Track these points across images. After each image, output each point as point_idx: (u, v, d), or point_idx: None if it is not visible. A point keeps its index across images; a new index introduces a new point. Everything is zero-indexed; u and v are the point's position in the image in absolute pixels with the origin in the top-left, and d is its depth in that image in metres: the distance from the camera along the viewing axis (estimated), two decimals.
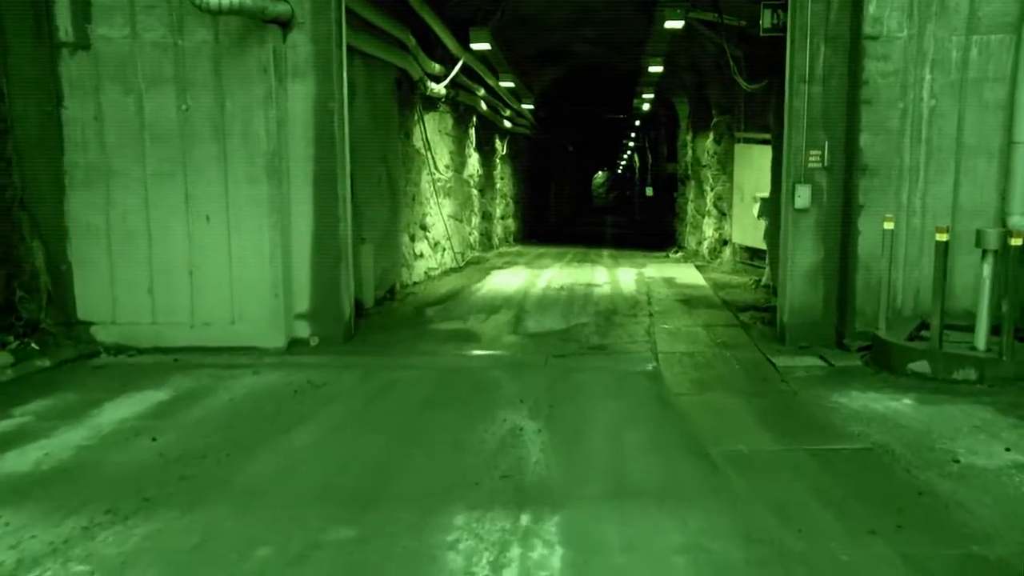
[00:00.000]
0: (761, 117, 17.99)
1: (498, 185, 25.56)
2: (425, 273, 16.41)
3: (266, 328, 9.75)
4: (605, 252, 24.94)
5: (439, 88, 16.35)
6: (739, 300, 13.51)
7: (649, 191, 38.22)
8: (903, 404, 7.24)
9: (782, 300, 9.98)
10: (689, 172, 25.00)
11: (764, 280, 15.06)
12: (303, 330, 10.02)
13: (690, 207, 24.75)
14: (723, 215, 20.28)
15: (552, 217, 40.70)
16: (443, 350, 9.89)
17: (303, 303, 10.02)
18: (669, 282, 16.21)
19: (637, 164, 50.80)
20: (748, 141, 18.33)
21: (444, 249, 17.92)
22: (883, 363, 8.54)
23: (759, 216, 16.57)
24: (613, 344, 10.17)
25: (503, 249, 25.25)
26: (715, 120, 20.67)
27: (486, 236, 23.97)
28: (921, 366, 8.09)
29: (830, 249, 9.62)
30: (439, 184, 17.58)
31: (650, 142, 38.14)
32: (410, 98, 15.26)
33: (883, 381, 8.09)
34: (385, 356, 9.58)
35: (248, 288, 9.72)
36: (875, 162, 9.12)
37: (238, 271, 9.70)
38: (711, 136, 21.05)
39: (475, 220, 21.93)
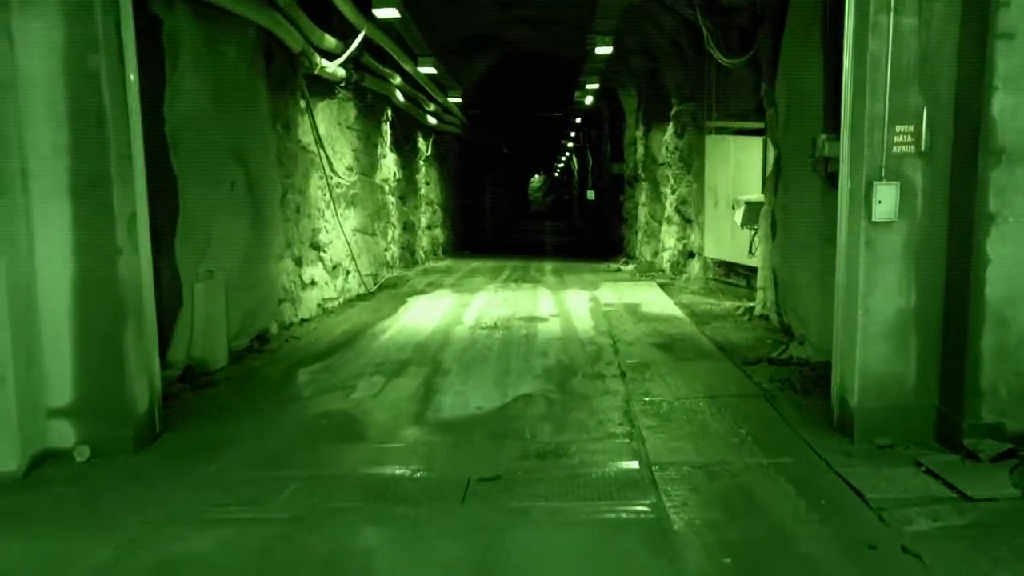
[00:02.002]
0: (741, 101, 14.13)
1: (422, 191, 21.41)
2: (319, 306, 12.23)
3: None
4: (547, 266, 20.91)
5: (334, 67, 12.18)
6: (737, 342, 9.58)
7: (591, 194, 34.32)
8: None
9: (846, 369, 6.01)
10: (640, 172, 21.15)
11: (760, 309, 11.16)
12: (64, 436, 5.84)
13: (642, 212, 20.89)
14: (688, 222, 16.40)
15: (487, 224, 36.63)
16: (290, 472, 5.71)
17: (62, 391, 5.83)
18: (634, 311, 12.22)
19: (576, 166, 46.94)
20: (722, 132, 14.47)
21: (348, 272, 13.74)
22: None
23: (743, 224, 12.70)
24: (576, 444, 6.10)
25: (430, 264, 21.10)
26: (675, 110, 16.80)
27: (408, 250, 19.81)
28: None
29: (929, 287, 5.69)
30: (339, 191, 13.39)
31: (591, 141, 34.28)
32: (289, 78, 11.07)
33: None
34: (190, 487, 5.38)
35: None
36: (1019, 141, 5.21)
37: None
38: (670, 129, 17.17)
39: (393, 233, 17.77)
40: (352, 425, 6.72)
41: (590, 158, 36.11)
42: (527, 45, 22.77)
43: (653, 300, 13.42)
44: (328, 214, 12.76)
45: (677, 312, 12.06)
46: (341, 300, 13.26)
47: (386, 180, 17.06)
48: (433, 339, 10.25)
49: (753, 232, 12.75)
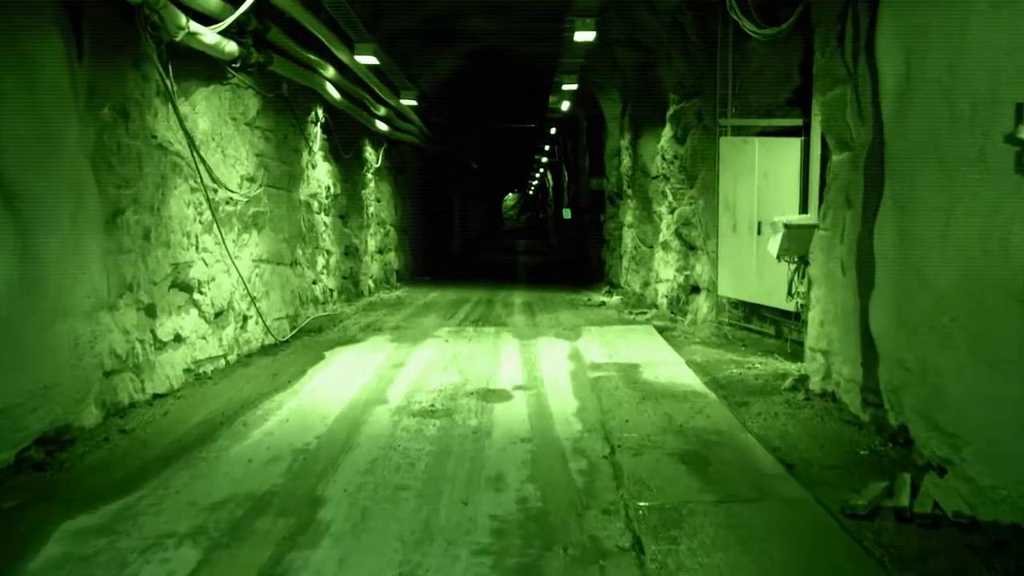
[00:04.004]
0: (765, 92, 10.42)
1: (371, 208, 17.47)
2: (189, 371, 8.28)
3: None
4: (517, 298, 17.01)
5: (215, 38, 8.32)
6: (808, 451, 5.74)
7: (567, 213, 30.44)
8: None
9: None
10: (626, 187, 17.35)
11: (818, 382, 7.31)
12: None
13: (628, 235, 17.08)
14: (691, 249, 12.60)
15: (455, 244, 32.67)
16: None
17: None
18: (633, 379, 8.34)
19: (551, 183, 43.12)
20: (742, 132, 10.70)
21: (245, 318, 9.79)
22: None
23: (781, 255, 8.93)
24: None
25: (379, 296, 17.14)
26: (674, 109, 12.99)
27: (351, 280, 15.85)
28: None
29: None
30: (230, 208, 9.47)
31: (567, 155, 30.44)
32: (129, 41, 7.17)
33: None
34: None
35: None
36: None
37: None
38: (667, 133, 13.37)
39: (326, 260, 13.82)
40: None
41: (566, 173, 32.31)
42: (493, 40, 18.97)
43: (655, 356, 9.55)
44: (208, 240, 8.82)
45: (694, 380, 8.19)
46: (231, 358, 9.31)
47: (315, 195, 13.13)
48: (331, 440, 6.32)
49: (796, 266, 8.98)
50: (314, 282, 13.03)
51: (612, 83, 18.13)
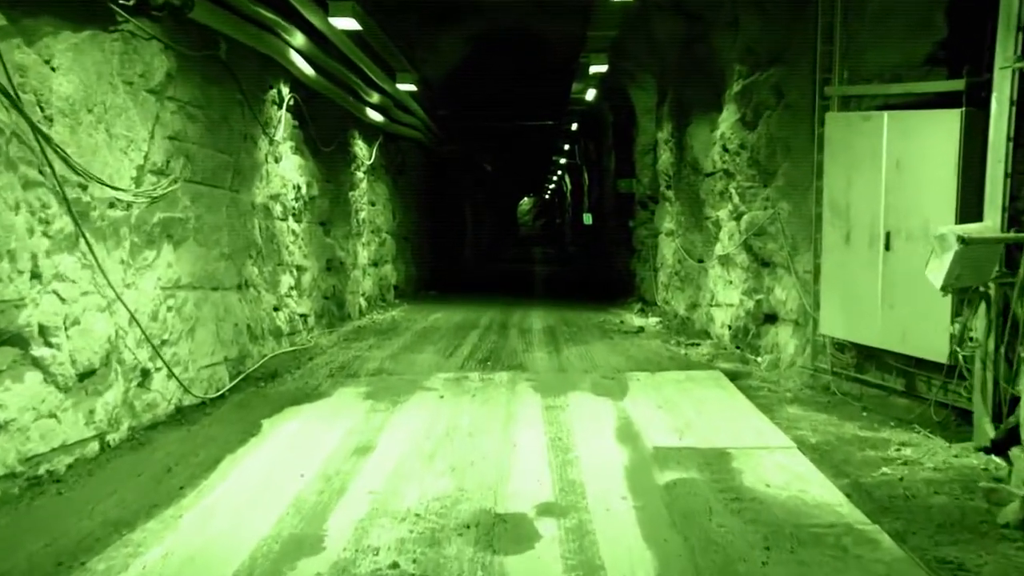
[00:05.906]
0: (888, 50, 6.98)
1: (363, 214, 14.11)
2: (16, 477, 4.96)
3: None
4: (536, 320, 13.60)
5: None
6: None
7: (588, 218, 26.96)
8: None
9: None
10: (664, 188, 13.98)
11: None
12: None
13: (668, 245, 13.71)
14: (765, 265, 9.19)
15: (468, 252, 29.22)
16: None
17: None
18: (732, 495, 4.91)
19: (568, 186, 39.64)
20: (853, 105, 7.31)
21: (144, 373, 6.45)
22: None
23: (948, 286, 5.51)
24: None
25: (370, 318, 13.77)
26: (742, 84, 9.60)
27: (336, 300, 12.50)
28: None
29: None
30: (117, 213, 6.13)
31: (589, 155, 26.97)
32: None
33: None
34: None
35: None
36: None
37: None
38: (731, 116, 9.98)
39: (295, 279, 10.46)
40: None
41: (586, 175, 28.86)
42: (507, 17, 15.60)
43: (748, 435, 6.11)
44: (68, 262, 5.48)
45: (831, 493, 4.77)
46: (116, 436, 5.96)
47: (278, 197, 9.79)
48: None
49: (971, 299, 5.59)
50: (276, 308, 9.68)
51: (646, 69, 14.78)
